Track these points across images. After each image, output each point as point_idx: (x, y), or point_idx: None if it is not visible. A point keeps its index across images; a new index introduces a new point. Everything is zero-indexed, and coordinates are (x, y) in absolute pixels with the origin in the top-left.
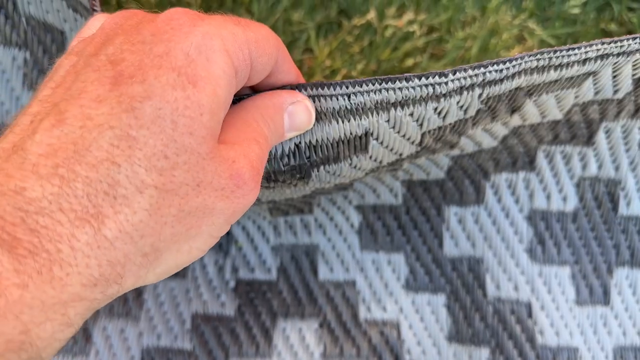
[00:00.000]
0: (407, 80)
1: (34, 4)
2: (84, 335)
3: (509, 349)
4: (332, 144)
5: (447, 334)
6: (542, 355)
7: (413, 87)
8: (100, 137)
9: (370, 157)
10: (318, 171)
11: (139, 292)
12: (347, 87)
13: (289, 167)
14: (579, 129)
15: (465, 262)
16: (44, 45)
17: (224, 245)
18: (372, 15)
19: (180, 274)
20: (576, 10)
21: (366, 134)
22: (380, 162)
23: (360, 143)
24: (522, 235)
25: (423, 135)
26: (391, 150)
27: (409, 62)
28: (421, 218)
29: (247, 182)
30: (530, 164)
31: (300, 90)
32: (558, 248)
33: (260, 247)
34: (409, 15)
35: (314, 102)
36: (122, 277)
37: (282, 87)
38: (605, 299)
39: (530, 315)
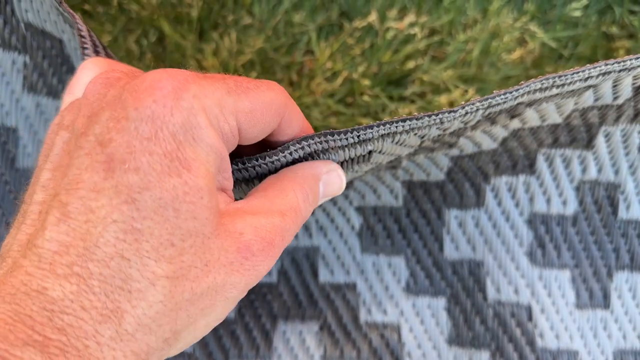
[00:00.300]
0: (418, 119)
1: (32, 12)
2: None
3: (509, 352)
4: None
5: (447, 337)
6: (542, 358)
7: (422, 121)
8: (106, 231)
9: (371, 164)
10: None
11: None
12: (357, 132)
13: None
14: (579, 132)
15: (465, 265)
16: (44, 51)
17: None
18: (373, 17)
19: None
20: (577, 13)
21: (370, 152)
22: (380, 164)
23: (364, 159)
24: (522, 238)
25: (422, 141)
26: (391, 155)
27: (410, 64)
28: (422, 221)
29: (256, 254)
30: (530, 167)
31: (308, 141)
32: (558, 251)
33: None
34: (410, 18)
35: (322, 144)
36: None
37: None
38: (605, 303)
39: (530, 318)
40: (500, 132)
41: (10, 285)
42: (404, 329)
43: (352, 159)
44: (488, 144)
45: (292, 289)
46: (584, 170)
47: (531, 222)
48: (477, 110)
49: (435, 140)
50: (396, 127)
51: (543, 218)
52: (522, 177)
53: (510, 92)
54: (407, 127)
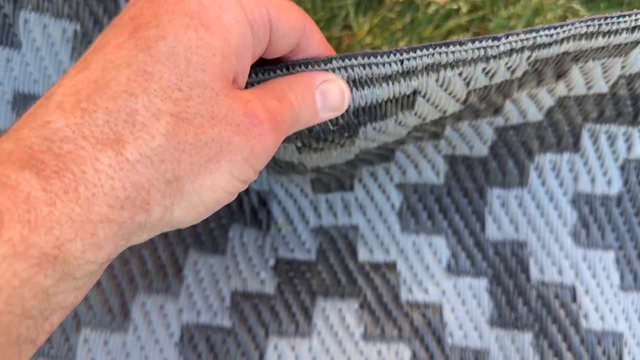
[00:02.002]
0: (461, 44)
1: None
2: (122, 311)
3: (552, 333)
4: (380, 104)
5: (488, 318)
6: (586, 339)
7: (465, 50)
8: (119, 74)
9: (416, 114)
10: (365, 128)
11: (179, 268)
12: (400, 54)
13: (338, 126)
14: (625, 106)
15: (508, 245)
16: (96, 17)
17: (264, 223)
18: None
19: (220, 251)
20: None
21: (414, 92)
22: (424, 118)
23: (407, 101)
24: (566, 218)
25: (468, 93)
26: (436, 107)
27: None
28: (463, 200)
29: (263, 122)
30: (575, 145)
31: (351, 60)
32: (602, 232)
33: (300, 229)
34: None
35: (365, 69)
36: (148, 204)
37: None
38: None
39: (574, 299)
40: (546, 99)
41: (17, 124)
42: (446, 309)
43: (397, 100)
44: (533, 114)
45: (331, 267)
46: (629, 149)
47: (575, 202)
48: (523, 49)
49: (482, 97)
50: (439, 53)
51: (587, 198)
52: (566, 155)
53: (555, 28)
54: (450, 57)
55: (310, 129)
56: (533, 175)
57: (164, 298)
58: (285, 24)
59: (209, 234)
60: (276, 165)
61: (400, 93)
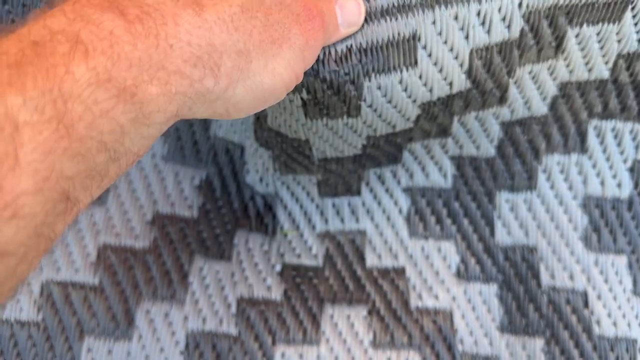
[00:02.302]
0: None
1: None
2: (126, 318)
3: (564, 340)
4: (381, 47)
5: (499, 325)
6: (599, 346)
7: None
8: None
9: (420, 77)
10: (370, 81)
11: (184, 275)
12: None
13: (343, 72)
14: (628, 97)
15: (518, 251)
16: None
17: (270, 228)
18: None
19: (225, 256)
20: None
21: (414, 37)
22: (431, 90)
23: (408, 48)
24: (577, 223)
25: (471, 57)
26: (440, 71)
27: None
28: (472, 205)
29: (316, 17)
30: (582, 145)
31: None
32: (614, 236)
33: (306, 234)
34: None
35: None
36: (219, 69)
37: None
38: None
39: (586, 305)
40: (549, 84)
41: None
42: (456, 315)
43: (397, 45)
44: (538, 105)
45: (339, 273)
46: (637, 148)
47: (585, 205)
48: None
49: (486, 66)
50: None
51: (597, 201)
52: (574, 157)
53: None
54: None
55: (316, 72)
56: (541, 178)
57: (168, 305)
58: None
59: (215, 240)
60: (284, 154)
61: (399, 34)
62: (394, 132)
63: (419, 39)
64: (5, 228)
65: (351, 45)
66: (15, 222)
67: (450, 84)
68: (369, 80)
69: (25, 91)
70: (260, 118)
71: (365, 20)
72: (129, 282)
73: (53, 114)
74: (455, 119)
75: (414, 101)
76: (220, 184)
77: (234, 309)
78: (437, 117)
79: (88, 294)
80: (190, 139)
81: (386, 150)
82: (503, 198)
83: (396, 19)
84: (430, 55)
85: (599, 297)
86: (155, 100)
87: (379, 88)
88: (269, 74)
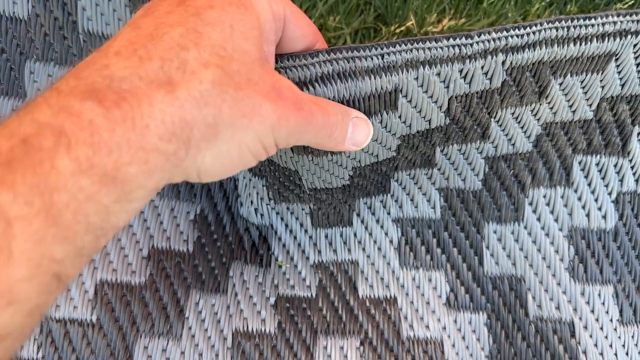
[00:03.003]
0: (437, 41)
1: None
2: (125, 354)
3: None
4: (363, 98)
5: (488, 354)
6: None
7: (441, 47)
8: (172, 31)
9: (400, 117)
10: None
11: (180, 310)
12: (381, 49)
13: None
14: (612, 134)
15: (506, 280)
16: None
17: (264, 259)
18: (412, 21)
19: (221, 290)
20: None
21: (395, 90)
22: (410, 126)
23: (390, 99)
24: (564, 254)
25: (450, 101)
26: (419, 112)
27: None
28: (460, 235)
29: (289, 99)
30: (567, 178)
31: (336, 53)
32: (600, 267)
33: (300, 265)
34: (449, 21)
35: (349, 63)
36: (190, 141)
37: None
38: None
39: (573, 334)
40: (532, 124)
41: (75, 69)
42: (447, 344)
43: (379, 96)
44: (522, 142)
45: (332, 303)
46: (621, 181)
47: (572, 237)
48: (496, 51)
49: (465, 109)
50: (417, 48)
51: (583, 233)
52: (559, 190)
53: (525, 28)
54: (427, 53)
55: None
56: (528, 210)
57: (165, 341)
58: (298, 30)
59: (211, 273)
60: (277, 181)
61: (382, 88)
62: (378, 161)
63: (401, 91)
64: (2, 314)
65: (334, 96)
66: (12, 307)
67: (429, 121)
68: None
69: (16, 187)
70: None
71: (350, 76)
72: (127, 318)
73: (41, 205)
74: (438, 149)
75: (394, 134)
76: (215, 217)
77: (229, 342)
78: (418, 147)
79: (87, 331)
80: None
81: (373, 179)
82: (491, 229)
83: (380, 77)
84: (410, 101)
85: (585, 327)
86: (136, 178)
87: None
88: (236, 145)
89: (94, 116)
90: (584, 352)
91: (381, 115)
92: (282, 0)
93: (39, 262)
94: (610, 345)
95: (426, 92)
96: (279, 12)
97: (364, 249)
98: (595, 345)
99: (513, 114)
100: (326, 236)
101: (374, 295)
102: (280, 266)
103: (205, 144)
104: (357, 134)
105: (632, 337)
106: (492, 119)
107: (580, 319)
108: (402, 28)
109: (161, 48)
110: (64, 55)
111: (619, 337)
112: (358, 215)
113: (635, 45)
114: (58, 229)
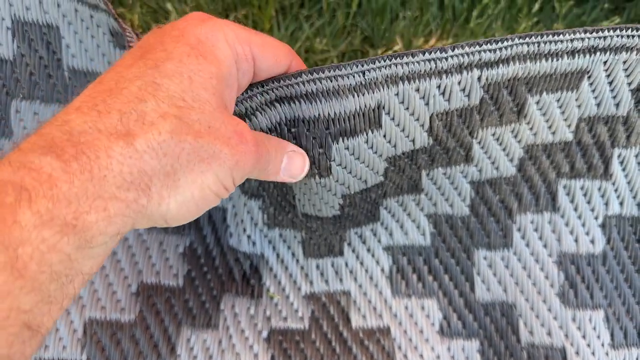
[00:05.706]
0: (413, 55)
1: None
2: None
3: None
4: (348, 117)
5: None
6: None
7: (418, 62)
8: (131, 84)
9: (384, 137)
10: (338, 145)
11: (172, 347)
12: (362, 65)
13: (311, 137)
14: (593, 157)
15: (498, 307)
16: None
17: (256, 291)
18: (399, 45)
19: (212, 324)
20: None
21: (378, 107)
22: (395, 146)
23: (373, 116)
24: (553, 279)
25: (432, 119)
26: (403, 130)
27: None
28: (451, 261)
29: (249, 141)
30: (553, 203)
31: (319, 73)
32: (590, 292)
33: (292, 296)
34: (435, 42)
35: (332, 82)
36: (150, 189)
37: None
38: None
39: None
40: (515, 147)
41: (38, 126)
42: None
43: (364, 114)
44: (505, 165)
45: (325, 335)
46: (606, 204)
47: (561, 262)
48: (471, 66)
49: (447, 128)
50: (395, 64)
51: (572, 258)
52: (546, 215)
53: (497, 42)
54: (405, 68)
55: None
56: (516, 236)
57: None
58: (270, 59)
59: (201, 307)
60: (274, 200)
61: (365, 106)
62: (367, 188)
63: (384, 108)
64: None
65: (319, 115)
66: None
67: (413, 141)
68: (337, 143)
69: None
70: None
71: (333, 94)
72: (118, 357)
73: (7, 260)
74: (424, 173)
75: (380, 156)
76: (205, 250)
77: None
78: (404, 170)
79: None
80: None
81: (363, 208)
82: (481, 255)
83: (363, 94)
84: (393, 119)
85: (577, 353)
86: (96, 225)
87: (347, 148)
88: (197, 188)
89: (53, 170)
90: None
91: (366, 135)
92: (246, 39)
93: (7, 314)
94: None
95: (407, 108)
96: (245, 52)
97: (355, 279)
98: None
99: (494, 134)
100: (317, 266)
101: (367, 326)
102: (272, 297)
103: (167, 192)
104: (291, 165)
105: None
106: (474, 140)
107: (572, 344)
108: (389, 51)
109: (120, 101)
110: (50, 93)
111: None
112: (349, 244)
113: (605, 63)
114: (24, 281)
